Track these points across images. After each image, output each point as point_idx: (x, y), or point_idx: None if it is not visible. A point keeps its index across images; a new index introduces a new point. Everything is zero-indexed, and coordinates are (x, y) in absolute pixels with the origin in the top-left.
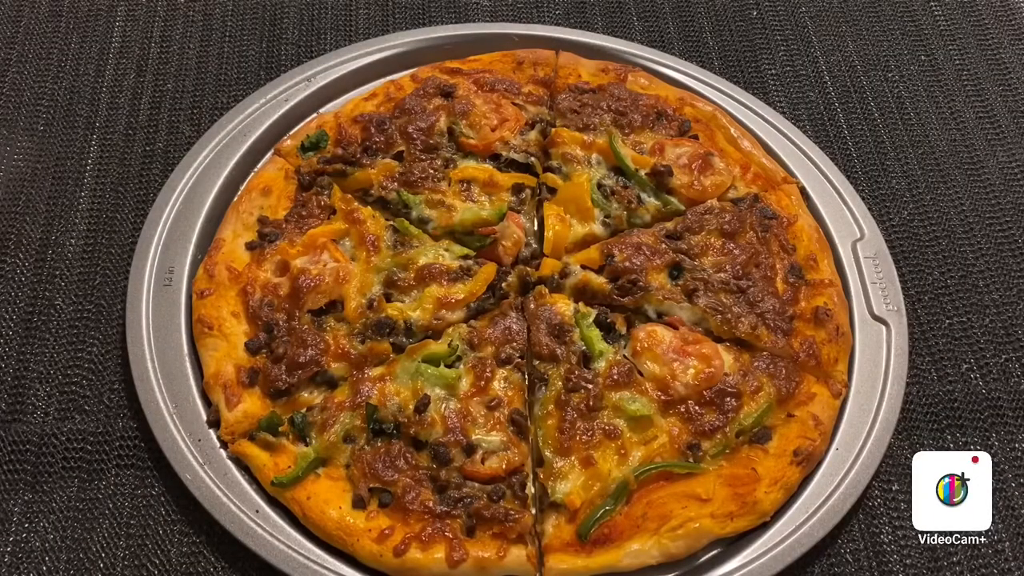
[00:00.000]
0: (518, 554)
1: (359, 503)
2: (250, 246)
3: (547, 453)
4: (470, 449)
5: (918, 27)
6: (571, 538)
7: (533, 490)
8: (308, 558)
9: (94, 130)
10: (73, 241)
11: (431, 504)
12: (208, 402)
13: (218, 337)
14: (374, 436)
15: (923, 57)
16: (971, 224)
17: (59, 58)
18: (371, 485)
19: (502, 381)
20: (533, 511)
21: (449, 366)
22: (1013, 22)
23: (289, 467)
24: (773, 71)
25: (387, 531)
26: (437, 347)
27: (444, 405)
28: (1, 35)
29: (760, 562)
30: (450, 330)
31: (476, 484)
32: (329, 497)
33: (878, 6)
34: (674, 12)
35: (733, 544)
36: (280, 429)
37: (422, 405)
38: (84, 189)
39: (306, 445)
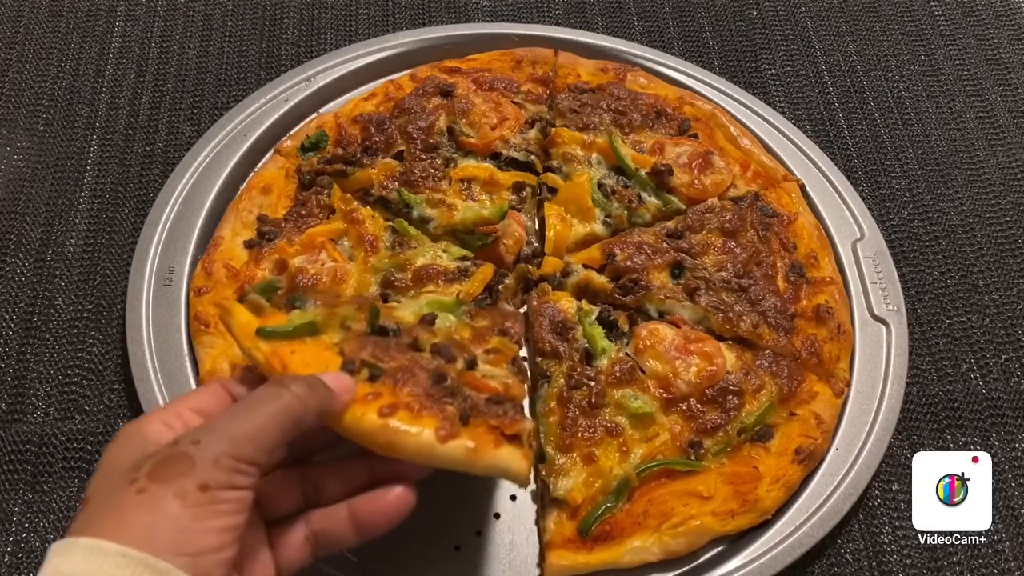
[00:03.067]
0: (516, 452)
1: (348, 366)
2: (248, 244)
3: (549, 450)
4: (472, 364)
5: (918, 27)
6: (572, 534)
7: (535, 485)
8: None
9: (94, 130)
10: (73, 241)
11: (426, 386)
12: None
13: (215, 335)
14: (372, 334)
15: (923, 57)
16: (971, 224)
17: (59, 58)
18: (363, 358)
19: (499, 342)
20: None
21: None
22: (1013, 22)
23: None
24: (773, 71)
25: (372, 395)
26: (444, 297)
27: (448, 332)
28: (1, 35)
29: (760, 562)
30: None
31: (467, 389)
32: (314, 361)
33: (878, 6)
34: (674, 12)
35: (734, 543)
36: (274, 299)
37: (429, 318)
38: (84, 189)
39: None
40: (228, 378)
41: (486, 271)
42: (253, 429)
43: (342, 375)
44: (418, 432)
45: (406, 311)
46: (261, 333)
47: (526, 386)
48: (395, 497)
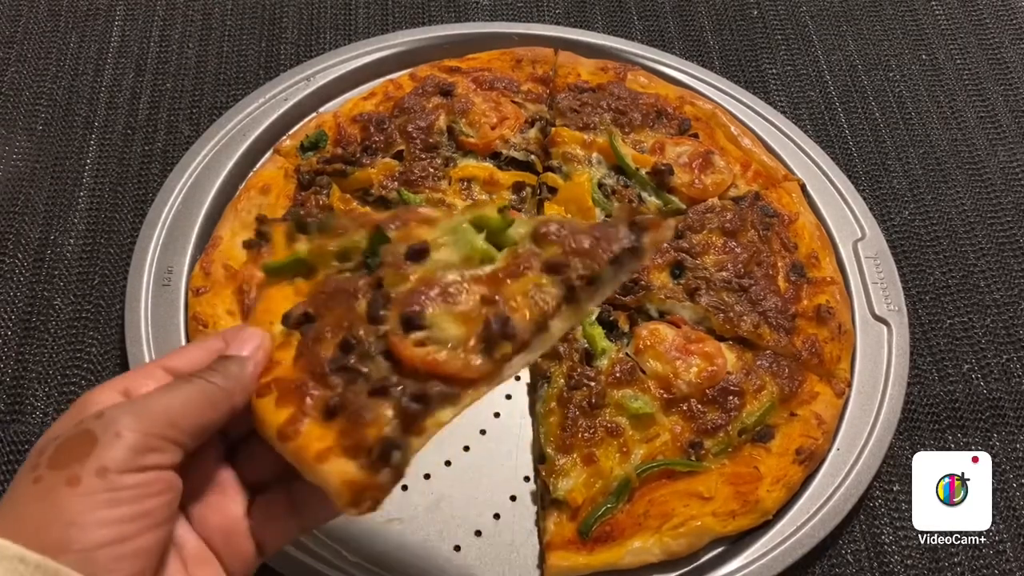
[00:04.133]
0: (341, 469)
1: (286, 320)
2: (247, 244)
3: (549, 450)
4: (410, 323)
5: (919, 26)
6: (573, 535)
7: (535, 486)
8: (306, 561)
9: (93, 130)
10: (72, 241)
11: (324, 358)
12: None
13: (213, 335)
14: (362, 265)
15: (924, 56)
16: (972, 224)
17: (58, 57)
18: (308, 310)
19: (529, 293)
20: (395, 446)
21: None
22: (1014, 22)
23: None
24: (774, 70)
25: (271, 364)
26: (493, 213)
27: (442, 273)
28: None
29: (761, 562)
30: None
31: (384, 364)
32: (269, 313)
33: (879, 5)
34: (674, 11)
35: (735, 544)
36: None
37: (417, 250)
38: (83, 189)
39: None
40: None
41: None
42: (174, 407)
43: (254, 334)
44: (269, 418)
45: (436, 231)
46: (264, 269)
47: (493, 362)
48: None
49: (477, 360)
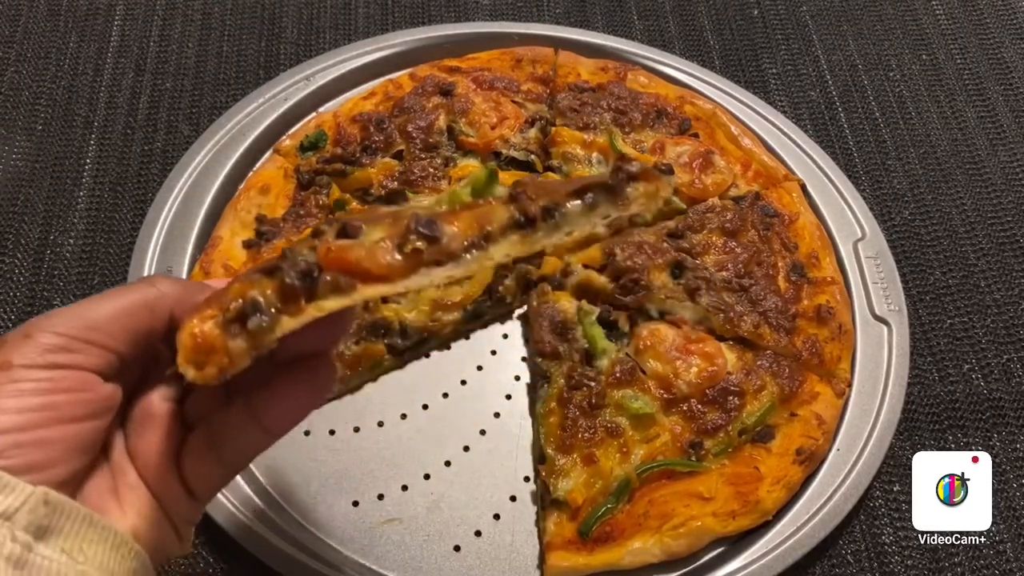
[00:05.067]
0: (198, 325)
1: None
2: (247, 244)
3: (549, 450)
4: (343, 232)
5: (919, 26)
6: (573, 536)
7: (535, 486)
8: (306, 562)
9: (92, 129)
10: (71, 241)
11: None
12: None
13: None
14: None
15: (924, 56)
16: (973, 224)
17: (57, 57)
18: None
19: (476, 216)
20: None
21: None
22: (1014, 21)
23: None
24: (774, 70)
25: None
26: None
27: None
28: None
29: (761, 563)
30: None
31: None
32: None
33: (879, 5)
34: (675, 11)
35: (735, 544)
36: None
37: (394, 195)
38: (82, 189)
39: None
40: None
41: (486, 273)
42: (100, 311)
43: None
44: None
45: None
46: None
47: (404, 256)
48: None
49: (383, 252)
